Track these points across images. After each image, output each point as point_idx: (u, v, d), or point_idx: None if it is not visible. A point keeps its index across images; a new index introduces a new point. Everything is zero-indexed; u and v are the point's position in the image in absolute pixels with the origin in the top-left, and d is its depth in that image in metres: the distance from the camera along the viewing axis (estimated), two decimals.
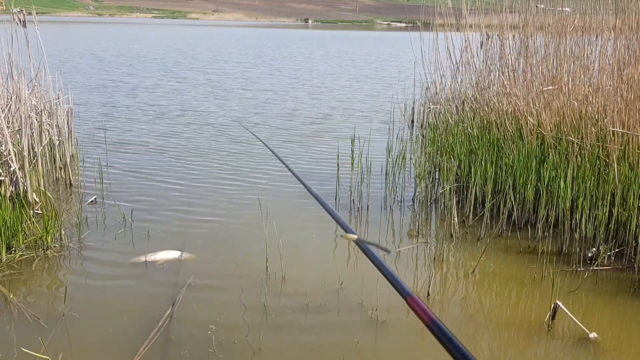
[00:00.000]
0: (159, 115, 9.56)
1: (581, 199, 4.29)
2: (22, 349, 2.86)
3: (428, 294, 3.56)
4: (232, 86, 13.73)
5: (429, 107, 8.34)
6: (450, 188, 5.02)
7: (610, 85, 4.82)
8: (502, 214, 4.68)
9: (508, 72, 6.03)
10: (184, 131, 8.36)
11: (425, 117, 8.55)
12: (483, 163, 5.00)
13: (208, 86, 13.59)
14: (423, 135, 7.62)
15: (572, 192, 4.42)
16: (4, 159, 4.73)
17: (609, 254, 4.06)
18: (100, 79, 14.30)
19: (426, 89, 8.53)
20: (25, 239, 4.06)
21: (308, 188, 1.23)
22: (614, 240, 4.18)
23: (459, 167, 5.42)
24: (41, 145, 5.60)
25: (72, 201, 5.21)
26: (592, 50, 5.22)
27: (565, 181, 4.39)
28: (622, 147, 4.44)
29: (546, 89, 5.24)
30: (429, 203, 5.25)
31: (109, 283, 3.68)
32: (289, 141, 7.91)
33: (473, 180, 5.01)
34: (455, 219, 4.49)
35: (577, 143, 4.71)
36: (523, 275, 3.88)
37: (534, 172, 4.68)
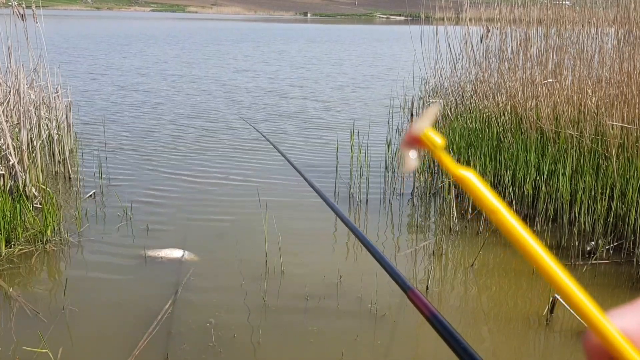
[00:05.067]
0: (158, 110, 9.55)
1: (580, 193, 4.29)
2: (22, 343, 2.87)
3: (427, 288, 3.57)
4: (233, 81, 13.70)
5: (429, 101, 8.34)
6: (449, 182, 5.02)
7: (610, 79, 4.81)
8: None
9: (508, 65, 6.03)
10: (184, 125, 8.35)
11: (424, 111, 8.53)
12: (482, 156, 5.00)
13: (209, 80, 13.56)
14: None
15: (571, 186, 4.42)
16: (3, 153, 4.72)
17: (607, 247, 4.07)
18: (99, 73, 14.27)
19: (426, 82, 8.52)
20: (25, 232, 4.06)
21: (310, 183, 1.23)
22: (612, 234, 4.18)
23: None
24: (40, 139, 5.59)
25: (71, 195, 5.21)
26: (592, 44, 5.21)
27: (564, 175, 4.40)
28: (621, 141, 4.44)
29: (546, 82, 5.23)
30: (428, 197, 5.26)
31: (108, 277, 3.69)
32: (287, 135, 7.90)
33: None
34: (454, 212, 4.49)
35: (576, 137, 4.71)
36: (522, 269, 3.89)
37: (533, 166, 4.68)
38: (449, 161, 0.35)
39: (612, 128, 4.42)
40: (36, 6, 5.38)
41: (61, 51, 18.96)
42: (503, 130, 5.42)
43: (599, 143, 4.60)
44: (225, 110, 9.69)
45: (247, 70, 15.83)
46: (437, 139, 0.35)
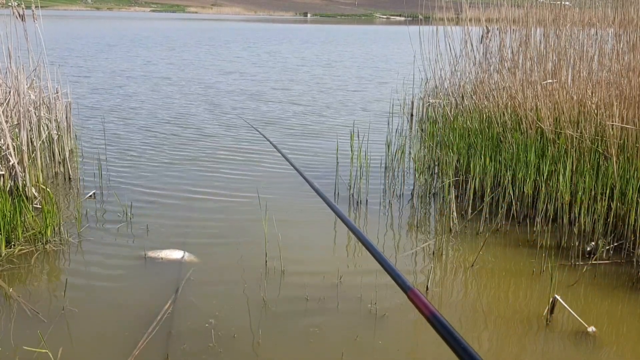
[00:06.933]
0: (158, 110, 9.55)
1: (580, 193, 4.29)
2: (22, 343, 2.87)
3: (427, 288, 3.57)
4: (232, 82, 13.70)
5: (429, 101, 8.34)
6: (449, 182, 5.02)
7: (610, 79, 4.81)
8: (501, 208, 4.69)
9: (507, 65, 6.03)
10: (184, 125, 8.35)
11: (424, 111, 8.55)
12: (482, 157, 5.00)
13: (207, 83, 13.56)
14: (422, 130, 7.62)
15: (571, 186, 4.42)
16: (3, 153, 4.72)
17: (607, 248, 4.07)
18: (100, 73, 14.27)
19: (425, 83, 8.52)
20: (25, 233, 4.06)
21: (310, 183, 1.24)
22: (612, 235, 4.18)
23: (458, 161, 5.42)
24: (40, 139, 5.59)
25: (71, 195, 5.21)
26: (591, 44, 5.21)
27: (564, 175, 4.40)
28: (621, 141, 4.45)
29: (545, 82, 5.24)
30: (428, 197, 5.26)
31: (108, 277, 3.68)
32: (287, 135, 7.90)
33: (472, 174, 5.02)
34: (454, 213, 4.49)
35: (576, 137, 4.71)
36: (522, 269, 3.89)
37: (533, 166, 4.68)
38: None
39: (612, 128, 4.42)
40: (36, 6, 5.38)
41: (49, 52, 18.93)
42: (503, 130, 5.42)
43: (599, 143, 4.60)
44: (225, 112, 9.69)
45: (256, 73, 15.84)
46: None
